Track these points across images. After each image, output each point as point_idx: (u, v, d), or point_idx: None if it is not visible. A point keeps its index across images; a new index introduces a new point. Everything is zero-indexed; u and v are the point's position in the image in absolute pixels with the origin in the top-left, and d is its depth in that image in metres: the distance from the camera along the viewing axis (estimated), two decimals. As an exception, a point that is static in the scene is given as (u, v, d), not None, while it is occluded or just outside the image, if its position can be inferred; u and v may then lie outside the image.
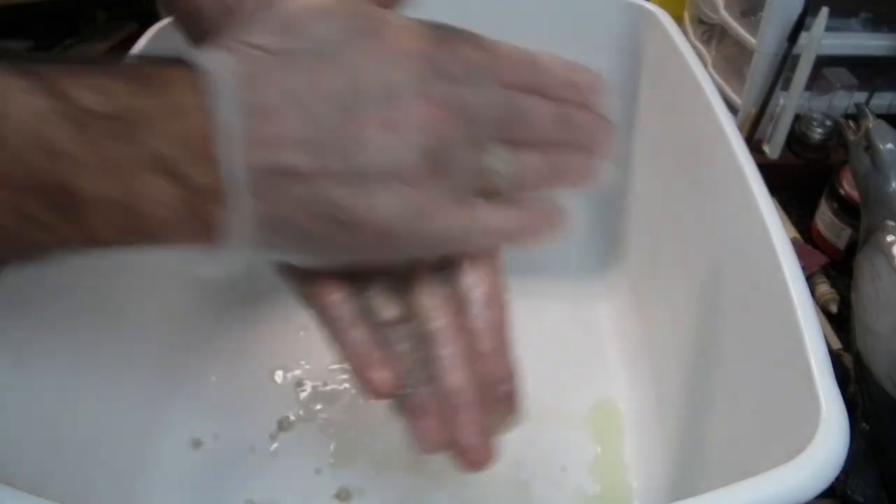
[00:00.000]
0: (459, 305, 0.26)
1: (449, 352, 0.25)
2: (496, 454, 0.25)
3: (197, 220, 0.22)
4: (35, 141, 0.19)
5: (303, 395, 0.42)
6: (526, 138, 0.25)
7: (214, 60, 0.21)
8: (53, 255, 0.22)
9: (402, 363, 0.25)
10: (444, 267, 0.26)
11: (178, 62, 0.22)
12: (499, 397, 0.26)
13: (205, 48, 0.22)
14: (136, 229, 0.22)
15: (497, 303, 0.26)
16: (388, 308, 0.26)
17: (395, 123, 0.22)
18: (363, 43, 0.22)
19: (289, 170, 0.22)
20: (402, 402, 0.26)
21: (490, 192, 0.25)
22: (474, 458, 0.25)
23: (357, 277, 0.26)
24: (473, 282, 0.26)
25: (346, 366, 0.26)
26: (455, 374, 0.25)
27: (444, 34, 0.24)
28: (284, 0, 0.23)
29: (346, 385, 0.43)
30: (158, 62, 0.22)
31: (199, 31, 0.30)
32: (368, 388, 0.25)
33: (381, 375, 0.25)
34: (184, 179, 0.21)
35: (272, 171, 0.21)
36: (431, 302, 0.25)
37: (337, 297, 0.26)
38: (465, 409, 0.25)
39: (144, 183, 0.21)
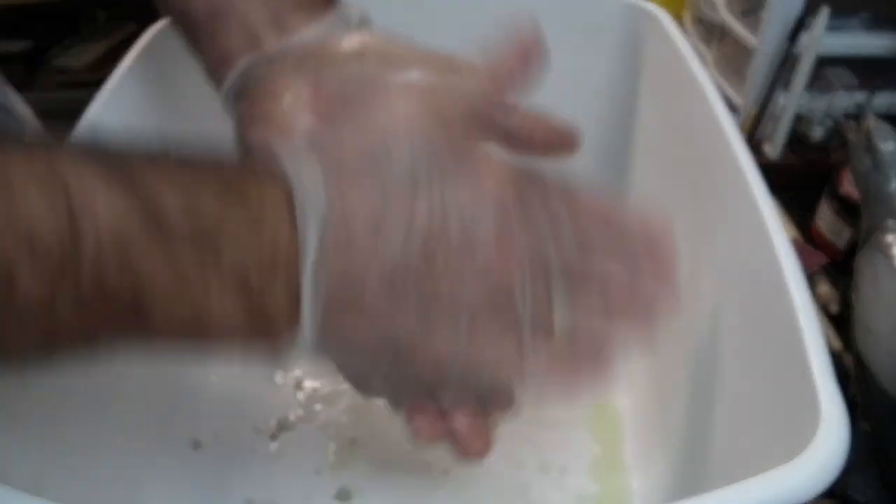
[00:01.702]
0: None
1: None
2: (493, 444, 0.26)
3: (261, 336, 0.22)
4: (118, 258, 0.18)
5: (303, 395, 0.42)
6: (592, 296, 0.24)
7: (303, 181, 0.21)
8: (112, 351, 0.21)
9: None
10: None
11: (262, 165, 0.21)
12: (492, 396, 0.26)
13: (295, 156, 0.21)
14: (196, 338, 0.21)
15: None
16: None
17: (469, 265, 0.22)
18: (450, 180, 0.22)
19: (362, 302, 0.21)
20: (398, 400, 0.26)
21: (548, 343, 0.24)
22: (470, 449, 0.25)
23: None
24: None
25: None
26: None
27: (531, 179, 0.24)
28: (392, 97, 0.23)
29: (346, 385, 0.42)
30: (243, 163, 0.21)
31: (191, 35, 0.30)
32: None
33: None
34: (257, 298, 0.20)
35: (346, 300, 0.21)
36: None
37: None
38: (462, 408, 0.25)
39: (217, 299, 0.20)
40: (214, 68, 0.30)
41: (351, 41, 0.27)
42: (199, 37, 0.30)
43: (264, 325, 0.21)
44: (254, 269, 0.20)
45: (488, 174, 0.23)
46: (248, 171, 0.21)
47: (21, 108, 0.48)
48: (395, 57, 0.26)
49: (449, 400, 0.25)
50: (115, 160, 0.20)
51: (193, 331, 0.21)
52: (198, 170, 0.21)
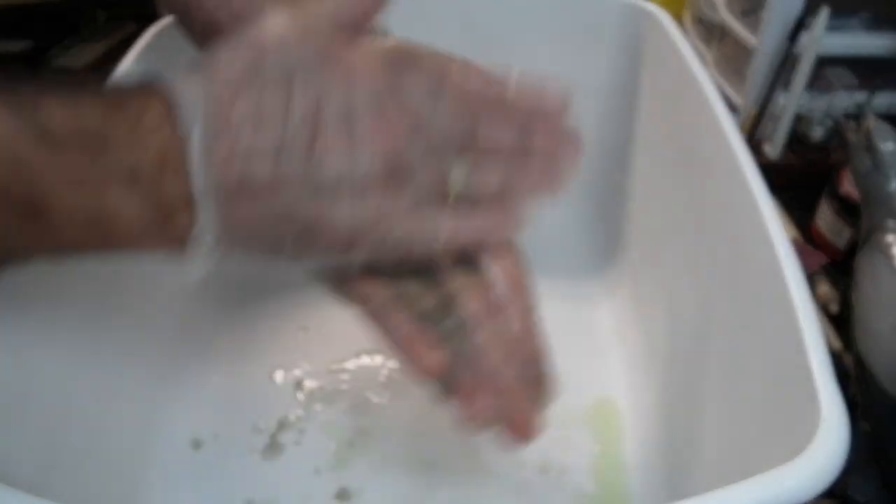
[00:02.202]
0: (488, 293, 0.28)
1: (486, 334, 0.27)
2: (538, 430, 0.28)
3: (165, 231, 0.23)
4: (7, 160, 0.20)
5: (303, 395, 0.42)
6: (487, 149, 0.26)
7: (185, 83, 0.23)
8: (27, 259, 0.23)
9: (445, 346, 0.27)
10: (468, 259, 0.28)
11: (152, 87, 0.23)
12: (533, 376, 0.28)
13: (176, 73, 0.24)
14: (106, 239, 0.23)
15: (522, 287, 0.28)
16: (424, 298, 0.28)
17: (352, 139, 0.24)
18: (326, 68, 0.24)
19: (252, 180, 0.23)
20: (446, 385, 0.28)
21: (454, 200, 0.26)
22: (522, 429, 0.28)
23: (389, 274, 0.28)
24: (497, 272, 0.28)
25: (394, 353, 0.28)
26: (493, 356, 0.27)
27: (404, 55, 0.26)
28: (261, 18, 0.25)
29: (346, 385, 0.43)
30: (135, 86, 0.24)
31: (197, 30, 0.31)
32: (421, 369, 0.27)
33: (433, 356, 0.27)
34: (153, 192, 0.22)
35: (237, 183, 0.23)
36: (465, 291, 0.28)
37: (377, 290, 0.28)
38: (506, 387, 0.27)
39: (114, 196, 0.22)
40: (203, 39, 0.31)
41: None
42: (205, 35, 0.31)
43: (163, 218, 0.23)
44: (144, 167, 0.22)
45: (358, 55, 0.25)
46: (130, 89, 0.23)
47: None
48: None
49: (363, 258, 0.26)
50: (5, 88, 0.22)
51: (96, 228, 0.22)
52: (82, 90, 0.23)
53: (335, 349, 0.44)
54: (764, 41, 0.55)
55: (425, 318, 0.28)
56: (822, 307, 0.48)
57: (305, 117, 0.23)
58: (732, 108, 0.59)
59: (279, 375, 0.43)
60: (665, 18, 0.42)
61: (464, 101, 0.26)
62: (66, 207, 0.22)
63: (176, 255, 0.24)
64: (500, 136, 0.26)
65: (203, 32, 0.31)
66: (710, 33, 0.66)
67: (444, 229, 0.26)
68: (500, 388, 0.27)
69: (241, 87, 0.23)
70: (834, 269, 0.51)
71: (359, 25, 0.26)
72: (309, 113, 0.23)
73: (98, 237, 0.23)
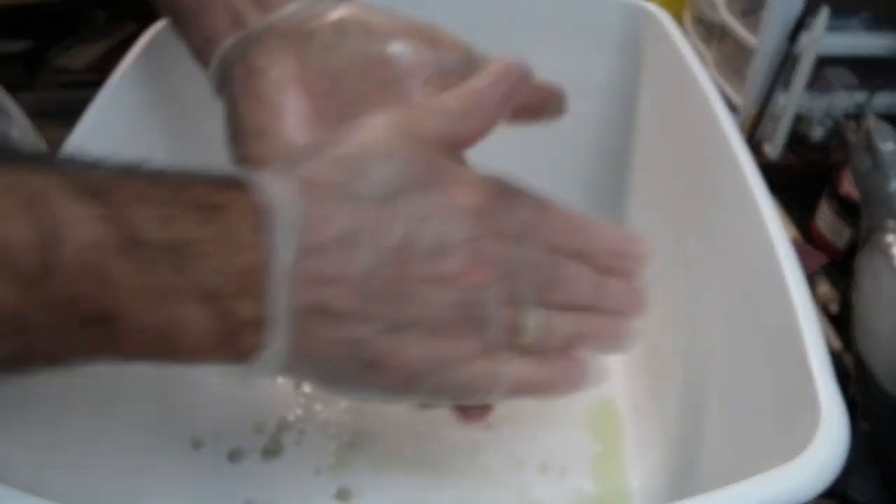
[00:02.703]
0: None
1: None
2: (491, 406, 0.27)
3: (231, 349, 0.22)
4: (88, 269, 0.19)
5: (303, 395, 0.42)
6: (562, 301, 0.26)
7: (280, 194, 0.21)
8: (87, 362, 0.21)
9: None
10: None
11: (236, 184, 0.22)
12: None
13: (271, 175, 0.22)
14: (168, 352, 0.22)
15: None
16: None
17: (439, 279, 0.23)
18: (423, 193, 0.23)
19: (331, 310, 0.22)
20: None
21: (520, 347, 0.25)
22: (472, 412, 0.27)
23: None
24: None
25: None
26: None
27: (503, 191, 0.25)
28: (363, 119, 0.23)
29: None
30: (217, 183, 0.22)
31: (177, 19, 0.31)
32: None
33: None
34: (226, 312, 0.21)
35: (315, 310, 0.22)
36: None
37: None
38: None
39: (186, 312, 0.21)
40: (200, 50, 0.30)
41: (332, 14, 0.28)
42: (184, 20, 0.30)
43: (234, 339, 0.22)
44: (225, 280, 0.21)
45: (460, 186, 0.24)
46: (220, 184, 0.22)
47: (12, 107, 0.48)
48: (376, 27, 0.27)
49: (421, 404, 0.26)
50: (90, 175, 0.20)
51: (163, 341, 0.21)
52: (170, 185, 0.21)
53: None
54: (764, 41, 0.55)
55: None
56: (822, 307, 0.48)
57: (396, 247, 0.22)
58: (732, 108, 0.59)
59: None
60: (665, 18, 0.42)
61: (551, 247, 0.25)
62: (136, 319, 0.20)
63: (240, 369, 0.23)
64: (578, 287, 0.26)
65: (169, 12, 0.30)
66: (710, 33, 0.66)
67: (509, 378, 0.25)
68: None
69: (336, 206, 0.22)
70: (834, 269, 0.51)
71: (462, 146, 0.25)
72: (400, 243, 0.22)
73: (160, 349, 0.21)
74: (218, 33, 0.29)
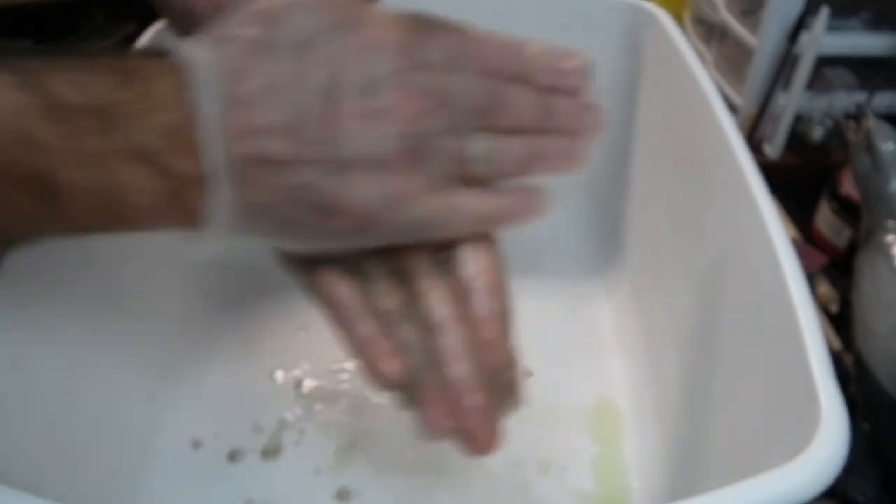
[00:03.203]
0: (461, 294, 0.26)
1: (451, 341, 0.25)
2: (501, 439, 0.26)
3: (178, 207, 0.22)
4: (14, 135, 0.20)
5: (303, 395, 0.42)
6: (508, 126, 0.25)
7: (197, 52, 0.22)
8: (37, 239, 0.23)
9: (409, 352, 0.26)
10: (444, 253, 0.26)
11: (161, 55, 0.22)
12: (500, 385, 0.26)
13: (188, 41, 0.23)
14: (118, 216, 0.22)
15: (499, 292, 0.26)
16: (390, 296, 0.26)
17: (373, 113, 0.23)
18: (343, 36, 0.23)
19: (268, 157, 0.22)
20: (408, 392, 0.26)
21: (472, 179, 0.25)
22: (480, 443, 0.26)
23: (359, 266, 0.26)
24: (475, 271, 0.26)
25: (353, 357, 0.26)
26: (458, 365, 0.25)
27: (423, 24, 0.24)
28: None
29: (346, 385, 0.43)
30: (143, 55, 0.23)
31: (191, 30, 0.30)
32: (378, 378, 0.26)
33: (391, 366, 0.26)
34: (165, 169, 0.21)
35: (252, 159, 0.22)
36: (433, 292, 0.26)
37: (341, 288, 0.26)
38: (470, 398, 0.25)
39: (125, 173, 0.21)
40: (185, 28, 0.30)
41: None
42: (197, 24, 0.30)
43: (175, 195, 0.22)
44: (155, 138, 0.21)
45: (378, 24, 0.24)
46: (141, 59, 0.22)
47: None
48: None
49: (380, 241, 0.25)
50: (6, 57, 0.21)
51: (106, 206, 0.22)
52: (90, 58, 0.22)
53: (335, 349, 0.43)
54: (764, 41, 0.55)
55: (391, 319, 0.26)
56: (822, 307, 0.48)
57: (323, 89, 0.22)
58: (732, 108, 0.59)
59: (279, 375, 0.43)
60: (665, 18, 0.42)
61: (485, 73, 0.24)
62: (76, 184, 0.21)
63: (189, 231, 0.23)
64: (521, 105, 0.25)
65: (183, 22, 0.30)
66: (710, 33, 0.66)
67: (466, 209, 0.25)
68: (461, 400, 0.25)
69: (255, 57, 0.22)
70: (834, 269, 0.51)
71: None
72: (326, 84, 0.22)
73: (108, 215, 0.22)
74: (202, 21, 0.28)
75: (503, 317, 0.26)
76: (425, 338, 0.26)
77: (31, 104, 0.20)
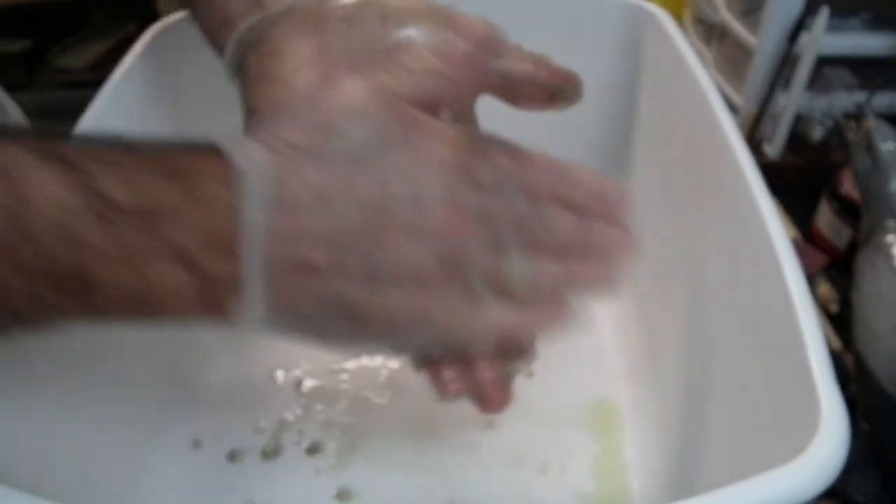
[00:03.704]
0: None
1: None
2: (511, 397, 0.27)
3: (210, 307, 0.22)
4: (60, 234, 0.20)
5: (303, 395, 0.42)
6: (547, 246, 0.25)
7: (248, 155, 0.22)
8: (66, 325, 0.22)
9: None
10: None
11: (210, 150, 0.22)
12: (511, 345, 0.27)
13: (239, 141, 0.22)
14: (146, 313, 0.22)
15: None
16: None
17: (417, 229, 0.23)
18: (397, 150, 0.23)
19: (307, 265, 0.22)
20: (421, 356, 0.27)
21: (505, 293, 0.25)
22: (493, 402, 0.27)
23: None
24: None
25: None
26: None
27: (479, 143, 0.25)
28: (335, 84, 0.24)
29: (346, 385, 0.43)
30: (191, 149, 0.22)
31: (195, 4, 0.30)
32: None
33: None
34: (201, 270, 0.21)
35: (290, 266, 0.22)
36: None
37: None
38: (482, 362, 0.26)
39: (161, 273, 0.21)
40: (216, 34, 0.30)
41: None
42: (199, 3, 0.30)
43: (211, 297, 0.22)
44: (197, 242, 0.21)
45: (435, 140, 0.24)
46: (190, 151, 0.22)
47: (9, 105, 0.48)
48: (393, 10, 0.27)
49: (410, 347, 0.26)
50: (55, 146, 0.21)
51: (140, 304, 0.22)
52: (138, 152, 0.22)
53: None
54: (764, 41, 0.55)
55: None
56: (823, 307, 0.48)
57: (370, 203, 0.22)
58: (732, 108, 0.59)
59: (279, 375, 0.43)
60: (665, 18, 0.42)
61: (532, 196, 0.25)
62: (112, 282, 0.21)
63: (221, 326, 0.23)
64: (561, 231, 0.25)
65: (215, 21, 0.29)
66: (710, 33, 0.66)
67: (494, 323, 0.25)
68: (471, 358, 0.26)
69: (307, 166, 0.22)
70: (834, 269, 0.51)
71: (437, 107, 0.25)
72: (374, 198, 0.22)
73: (141, 311, 0.22)
74: (236, 14, 0.28)
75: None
76: None
77: (82, 206, 0.20)
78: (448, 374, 0.26)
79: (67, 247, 0.20)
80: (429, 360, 0.27)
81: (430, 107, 0.25)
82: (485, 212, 0.24)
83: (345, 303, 0.23)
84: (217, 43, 0.30)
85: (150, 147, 0.22)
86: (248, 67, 0.28)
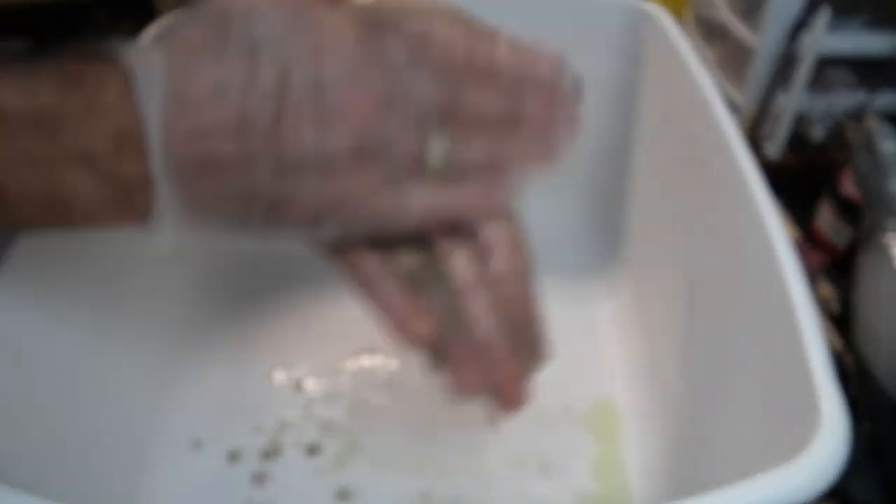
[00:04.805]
0: (482, 256, 0.26)
1: (476, 302, 0.26)
2: (530, 395, 0.27)
3: (125, 209, 0.23)
4: None
5: (302, 395, 0.42)
6: (469, 122, 0.25)
7: (146, 56, 0.22)
8: None
9: (435, 315, 0.26)
10: (463, 226, 0.27)
11: (111, 58, 0.22)
12: (526, 341, 0.27)
13: (135, 43, 0.23)
14: (63, 217, 0.23)
15: (518, 251, 0.27)
16: (415, 264, 0.27)
17: (322, 114, 0.22)
18: (296, 38, 0.23)
19: (213, 158, 0.22)
20: (437, 354, 0.27)
21: (429, 175, 0.25)
22: (509, 400, 0.27)
23: (382, 245, 0.27)
24: (494, 235, 0.26)
25: (381, 322, 0.27)
26: (484, 324, 0.26)
27: (383, 23, 0.24)
28: None
29: (346, 385, 0.43)
30: (94, 57, 0.22)
31: None
32: (408, 337, 0.26)
33: (420, 326, 0.26)
34: (110, 173, 0.22)
35: (197, 161, 0.22)
36: (456, 256, 0.26)
37: (367, 259, 0.27)
38: (497, 356, 0.26)
39: (69, 177, 0.22)
40: None
41: None
42: None
43: (122, 198, 0.22)
44: (99, 147, 0.21)
45: (333, 25, 0.23)
46: (88, 61, 0.22)
47: None
48: (411, 5, 0.26)
49: (332, 233, 0.25)
50: None
51: (52, 208, 0.22)
52: (33, 64, 0.22)
53: (335, 349, 0.44)
54: (764, 41, 0.55)
55: (416, 285, 0.27)
56: (823, 307, 0.48)
57: (271, 91, 0.22)
58: (733, 107, 0.59)
59: (279, 375, 0.43)
60: (665, 18, 0.42)
61: (447, 67, 0.24)
62: (20, 187, 0.21)
63: (140, 229, 0.23)
64: (485, 104, 0.25)
65: None
66: (711, 33, 0.66)
67: (417, 205, 0.25)
68: (490, 357, 0.26)
69: (203, 60, 0.22)
70: (834, 269, 0.51)
71: None
72: (274, 86, 0.22)
73: (55, 215, 0.22)
74: None
75: (524, 273, 0.27)
76: (451, 301, 0.26)
77: None
78: (465, 371, 0.26)
79: None
80: (446, 360, 0.27)
81: None
82: (394, 89, 0.23)
83: (257, 193, 0.23)
84: None
85: (47, 57, 0.22)
86: None
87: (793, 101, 0.55)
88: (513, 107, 0.25)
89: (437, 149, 0.24)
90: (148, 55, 0.22)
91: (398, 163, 0.24)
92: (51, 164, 0.21)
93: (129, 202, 0.23)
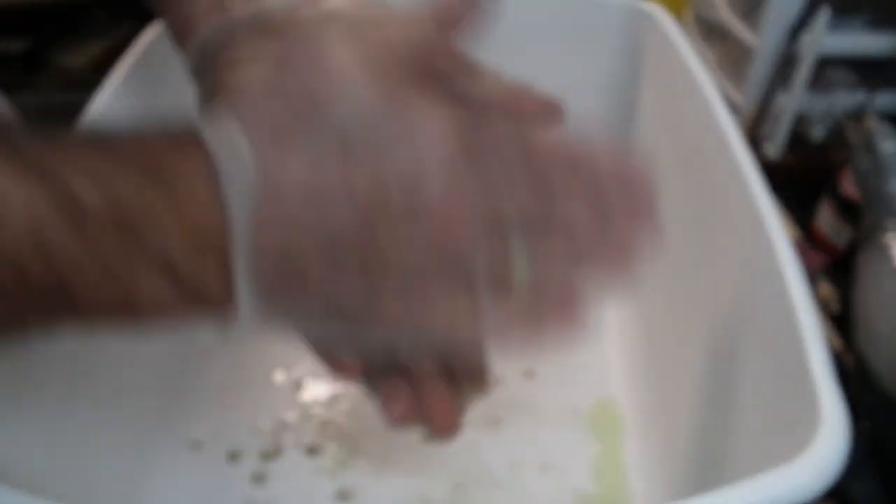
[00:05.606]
0: None
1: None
2: (462, 424, 0.26)
3: (201, 312, 0.22)
4: (28, 241, 0.18)
5: (303, 395, 0.42)
6: (558, 241, 0.23)
7: (226, 135, 0.20)
8: (49, 332, 0.21)
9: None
10: None
11: (187, 141, 0.21)
12: (466, 371, 0.27)
13: (215, 120, 0.21)
14: (134, 317, 0.21)
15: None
16: None
17: (413, 224, 0.21)
18: (389, 130, 0.21)
19: (298, 267, 0.21)
20: (369, 384, 0.27)
21: (508, 292, 0.23)
22: (442, 429, 0.26)
23: None
24: None
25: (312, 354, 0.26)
26: (420, 364, 0.25)
27: (479, 124, 0.22)
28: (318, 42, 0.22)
29: (346, 386, 0.42)
30: (167, 142, 0.21)
31: (175, 26, 0.29)
32: (338, 369, 0.26)
33: (349, 359, 0.26)
34: (189, 286, 0.20)
35: (281, 268, 0.21)
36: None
37: None
38: (430, 389, 0.26)
39: (142, 281, 0.20)
40: (179, 35, 0.28)
41: (323, 5, 0.26)
42: (165, 1, 0.29)
43: (200, 306, 0.21)
44: (180, 253, 0.20)
45: (430, 128, 0.21)
46: (169, 148, 0.21)
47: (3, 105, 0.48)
48: (365, 19, 0.25)
49: (411, 361, 0.25)
50: (24, 149, 0.19)
51: (124, 308, 0.21)
52: (112, 151, 0.20)
53: (335, 349, 0.44)
54: (764, 41, 0.55)
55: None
56: (823, 307, 0.48)
57: (363, 196, 0.20)
58: (733, 107, 0.59)
59: (279, 375, 0.43)
60: (665, 18, 0.42)
61: (544, 180, 0.22)
62: (92, 290, 0.20)
63: (215, 328, 0.22)
64: (575, 222, 0.23)
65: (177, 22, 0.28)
66: (711, 33, 0.66)
67: (494, 325, 0.23)
68: (422, 390, 0.25)
69: (293, 149, 0.20)
70: (834, 269, 0.51)
71: (434, 61, 0.23)
72: (368, 190, 0.20)
73: (125, 317, 0.21)
74: (198, 15, 0.27)
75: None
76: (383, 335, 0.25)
77: (52, 208, 0.19)
78: (397, 402, 0.25)
79: (43, 261, 0.19)
80: (381, 381, 0.26)
81: (426, 61, 0.23)
82: (488, 205, 0.22)
83: (338, 304, 0.22)
84: (179, 41, 0.28)
85: (126, 143, 0.21)
86: (206, 76, 0.26)
87: (793, 101, 0.55)
88: (602, 222, 0.23)
89: (521, 276, 0.23)
90: (229, 136, 0.20)
91: (481, 278, 0.22)
92: (126, 269, 0.20)
93: (204, 305, 0.21)
